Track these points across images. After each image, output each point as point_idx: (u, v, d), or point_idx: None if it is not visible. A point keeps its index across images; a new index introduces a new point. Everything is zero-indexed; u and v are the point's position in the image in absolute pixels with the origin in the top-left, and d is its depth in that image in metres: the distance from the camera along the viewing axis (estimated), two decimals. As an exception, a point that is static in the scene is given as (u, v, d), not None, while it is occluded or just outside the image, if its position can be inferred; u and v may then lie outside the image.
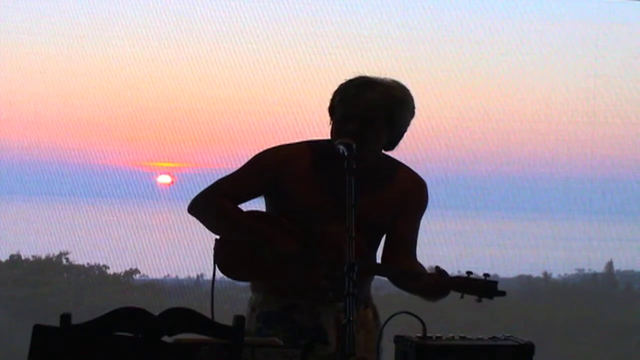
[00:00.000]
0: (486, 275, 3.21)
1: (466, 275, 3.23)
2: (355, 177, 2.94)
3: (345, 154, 3.07)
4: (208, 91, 6.09)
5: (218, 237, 3.41)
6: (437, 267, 3.27)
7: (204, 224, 3.44)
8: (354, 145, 3.10)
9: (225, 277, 3.40)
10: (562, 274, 6.54)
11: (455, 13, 6.10)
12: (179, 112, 6.07)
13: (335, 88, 3.44)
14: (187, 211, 3.46)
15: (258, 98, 6.06)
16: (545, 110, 6.21)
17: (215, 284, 3.37)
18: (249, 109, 6.06)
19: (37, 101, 6.15)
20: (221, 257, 3.36)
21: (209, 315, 2.92)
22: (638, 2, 6.18)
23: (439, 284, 3.25)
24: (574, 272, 6.53)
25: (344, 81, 3.41)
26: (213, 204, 3.41)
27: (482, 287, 3.20)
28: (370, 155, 3.35)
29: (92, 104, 6.08)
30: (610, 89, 6.17)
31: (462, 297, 3.24)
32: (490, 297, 3.22)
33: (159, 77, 6.05)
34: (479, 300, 3.23)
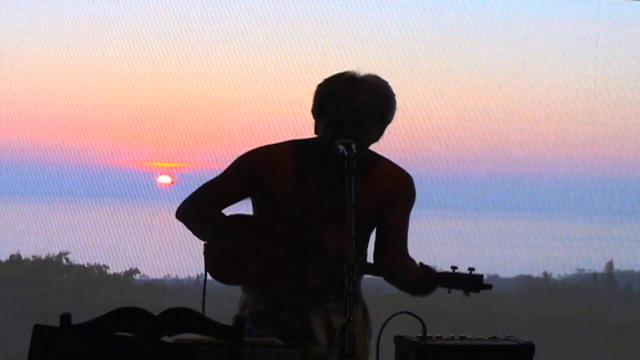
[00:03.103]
0: (471, 269, 3.21)
1: (451, 270, 3.22)
2: (341, 174, 2.96)
3: (345, 154, 3.08)
4: (208, 91, 6.10)
5: (206, 242, 3.41)
6: (421, 264, 3.27)
7: (190, 230, 3.45)
8: (353, 145, 3.11)
9: None
10: (562, 274, 6.55)
11: (455, 13, 6.10)
12: (179, 112, 6.08)
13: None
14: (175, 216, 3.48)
15: (258, 98, 6.06)
16: (545, 110, 6.21)
17: (215, 284, 3.37)
18: (249, 109, 6.07)
19: (37, 101, 6.15)
20: (211, 262, 3.37)
21: (208, 316, 2.92)
22: (638, 2, 6.18)
23: (424, 280, 3.24)
24: (574, 272, 6.53)
25: (324, 81, 3.38)
26: (196, 211, 3.41)
27: (468, 281, 3.19)
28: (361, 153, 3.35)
29: (92, 104, 6.09)
30: (610, 89, 6.18)
31: (449, 292, 3.23)
32: (477, 291, 3.21)
33: (159, 77, 6.05)
34: (467, 295, 3.22)
